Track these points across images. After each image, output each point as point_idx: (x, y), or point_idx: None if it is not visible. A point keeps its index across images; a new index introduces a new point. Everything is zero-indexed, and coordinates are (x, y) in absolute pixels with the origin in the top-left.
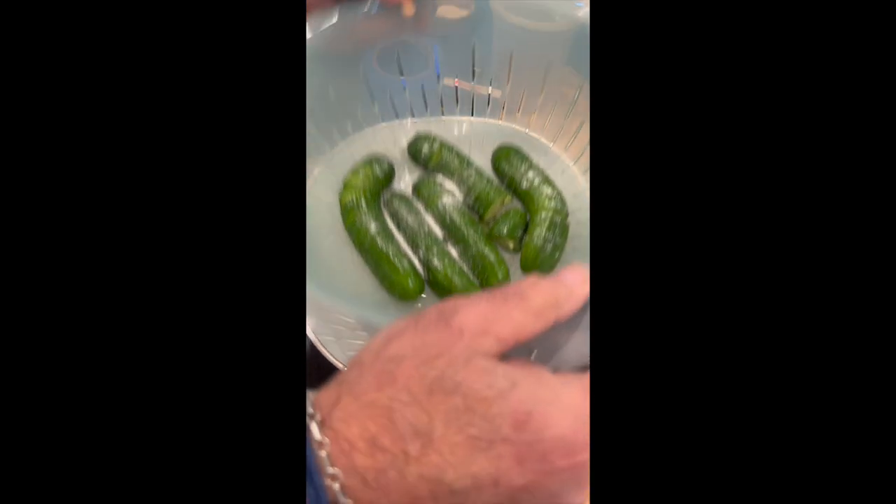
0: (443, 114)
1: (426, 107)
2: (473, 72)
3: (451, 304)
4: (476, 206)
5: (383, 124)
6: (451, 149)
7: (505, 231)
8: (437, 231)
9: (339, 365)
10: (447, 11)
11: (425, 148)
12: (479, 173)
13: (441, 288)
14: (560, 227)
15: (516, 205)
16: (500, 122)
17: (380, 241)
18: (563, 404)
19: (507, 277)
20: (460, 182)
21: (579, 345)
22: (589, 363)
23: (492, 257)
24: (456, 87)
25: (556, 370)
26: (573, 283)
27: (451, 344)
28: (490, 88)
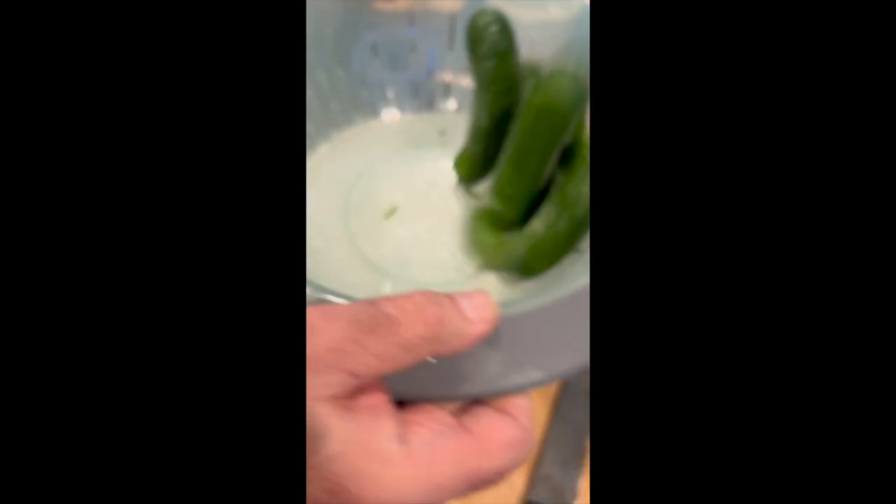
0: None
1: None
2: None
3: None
4: None
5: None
6: None
7: None
8: None
9: None
10: (441, 5)
11: None
12: None
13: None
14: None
15: None
16: None
17: None
18: (386, 482)
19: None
20: None
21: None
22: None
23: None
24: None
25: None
26: (470, 314)
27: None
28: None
